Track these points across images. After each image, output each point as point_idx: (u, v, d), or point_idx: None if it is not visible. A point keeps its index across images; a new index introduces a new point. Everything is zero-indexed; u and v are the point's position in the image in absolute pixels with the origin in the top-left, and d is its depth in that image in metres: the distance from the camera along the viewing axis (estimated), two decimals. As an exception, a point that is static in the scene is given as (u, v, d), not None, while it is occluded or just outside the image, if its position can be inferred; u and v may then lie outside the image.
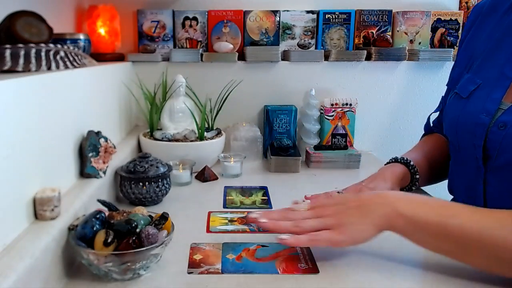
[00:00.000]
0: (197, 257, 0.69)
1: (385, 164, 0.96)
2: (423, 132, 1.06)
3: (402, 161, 0.93)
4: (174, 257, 0.69)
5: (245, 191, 1.03)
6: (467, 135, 0.78)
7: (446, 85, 0.97)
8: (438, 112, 1.02)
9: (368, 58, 1.39)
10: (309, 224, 0.67)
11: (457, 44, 0.91)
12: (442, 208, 0.64)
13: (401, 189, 0.92)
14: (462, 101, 0.81)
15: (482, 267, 0.62)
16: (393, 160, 0.95)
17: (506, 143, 0.71)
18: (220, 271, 0.65)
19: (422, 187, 0.99)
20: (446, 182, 0.93)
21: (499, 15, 0.83)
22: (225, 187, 1.05)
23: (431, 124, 1.04)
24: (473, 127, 0.76)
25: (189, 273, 0.65)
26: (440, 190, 0.97)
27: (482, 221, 0.60)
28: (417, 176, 0.92)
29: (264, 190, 1.04)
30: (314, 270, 0.66)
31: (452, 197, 0.92)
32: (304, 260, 0.69)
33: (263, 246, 0.73)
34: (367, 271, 0.66)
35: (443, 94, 1.00)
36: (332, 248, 0.70)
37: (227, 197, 0.98)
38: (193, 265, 0.67)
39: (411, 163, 0.92)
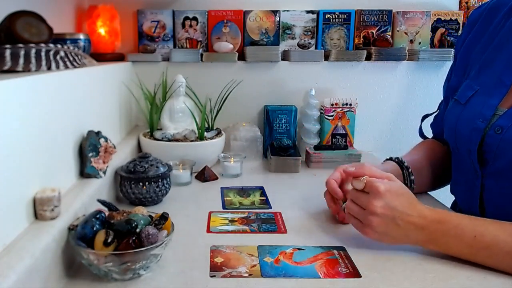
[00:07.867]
0: (218, 260, 0.69)
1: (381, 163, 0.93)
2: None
3: (396, 160, 0.90)
4: (174, 257, 0.69)
5: (243, 191, 1.03)
6: (464, 141, 0.78)
7: (445, 94, 0.95)
8: (434, 117, 1.00)
9: (368, 58, 1.39)
10: (355, 211, 0.72)
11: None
12: (474, 240, 0.65)
13: None
14: (460, 106, 0.81)
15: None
16: (387, 159, 0.92)
17: (503, 146, 0.71)
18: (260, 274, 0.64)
19: (428, 192, 0.97)
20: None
21: (497, 21, 0.82)
22: (222, 188, 1.05)
23: (425, 132, 1.03)
24: (469, 133, 0.76)
25: (211, 276, 0.64)
26: (442, 190, 0.97)
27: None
28: (412, 177, 0.87)
29: (261, 190, 1.04)
30: (356, 274, 0.65)
31: (453, 197, 0.92)
32: (343, 264, 0.68)
33: (299, 249, 0.73)
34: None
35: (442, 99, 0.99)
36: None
37: (225, 198, 0.98)
38: (215, 268, 0.66)
39: (405, 164, 0.88)
